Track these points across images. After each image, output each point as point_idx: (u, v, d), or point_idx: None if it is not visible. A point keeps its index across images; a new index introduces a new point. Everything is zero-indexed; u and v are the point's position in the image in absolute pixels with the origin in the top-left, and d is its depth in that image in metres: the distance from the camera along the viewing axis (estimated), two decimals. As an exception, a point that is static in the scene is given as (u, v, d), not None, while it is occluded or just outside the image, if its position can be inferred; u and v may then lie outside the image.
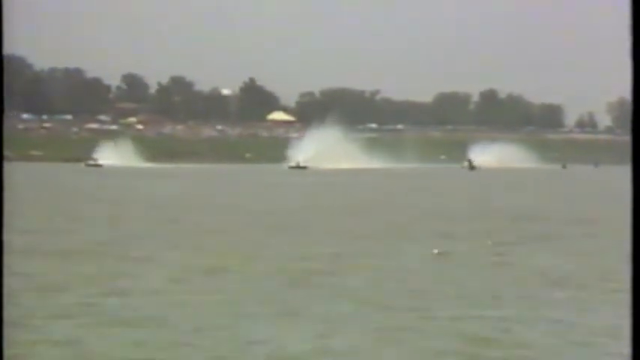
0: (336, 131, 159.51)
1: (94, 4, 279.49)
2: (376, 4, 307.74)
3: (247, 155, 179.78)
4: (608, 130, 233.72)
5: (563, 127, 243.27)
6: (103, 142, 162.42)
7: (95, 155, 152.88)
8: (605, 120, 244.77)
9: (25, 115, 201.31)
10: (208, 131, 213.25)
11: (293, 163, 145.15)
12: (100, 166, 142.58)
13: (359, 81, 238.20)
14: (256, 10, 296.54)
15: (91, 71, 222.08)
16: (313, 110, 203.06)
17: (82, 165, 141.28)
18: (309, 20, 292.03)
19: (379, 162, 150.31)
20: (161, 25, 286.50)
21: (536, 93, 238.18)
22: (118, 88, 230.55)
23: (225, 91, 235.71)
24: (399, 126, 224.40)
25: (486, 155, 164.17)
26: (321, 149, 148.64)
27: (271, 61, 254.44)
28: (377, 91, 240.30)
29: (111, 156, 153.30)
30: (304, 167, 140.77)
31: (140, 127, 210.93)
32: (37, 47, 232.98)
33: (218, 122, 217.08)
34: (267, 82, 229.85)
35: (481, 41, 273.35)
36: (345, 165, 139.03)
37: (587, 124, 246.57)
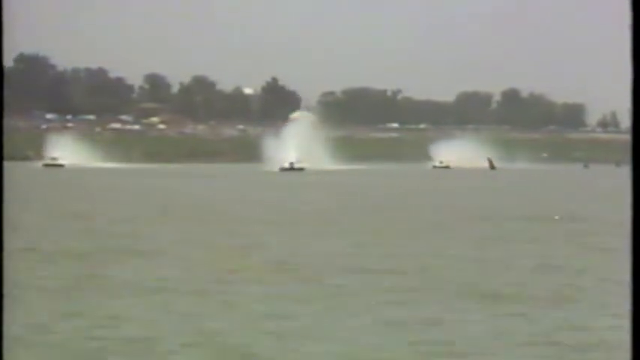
0: (314, 130, 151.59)
1: (117, 5, 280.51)
2: (398, 3, 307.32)
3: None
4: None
5: (585, 127, 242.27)
6: (59, 139, 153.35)
7: (55, 154, 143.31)
8: (627, 119, 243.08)
9: (48, 116, 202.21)
10: (229, 131, 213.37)
11: (286, 164, 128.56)
12: (61, 166, 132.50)
13: (381, 80, 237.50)
14: (278, 9, 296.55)
15: (114, 71, 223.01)
16: (335, 109, 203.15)
17: (39, 164, 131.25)
18: (331, 20, 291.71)
19: (376, 163, 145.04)
20: (183, 25, 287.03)
21: (559, 92, 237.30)
22: (141, 88, 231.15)
23: (247, 91, 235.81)
24: (421, 125, 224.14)
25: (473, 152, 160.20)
26: (307, 149, 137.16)
27: (293, 61, 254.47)
28: (398, 91, 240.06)
29: (75, 155, 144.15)
30: (301, 169, 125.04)
31: (162, 126, 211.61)
32: (60, 47, 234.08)
33: (240, 122, 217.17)
34: (290, 81, 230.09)
35: (503, 40, 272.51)
36: (342, 166, 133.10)
37: (609, 123, 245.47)
